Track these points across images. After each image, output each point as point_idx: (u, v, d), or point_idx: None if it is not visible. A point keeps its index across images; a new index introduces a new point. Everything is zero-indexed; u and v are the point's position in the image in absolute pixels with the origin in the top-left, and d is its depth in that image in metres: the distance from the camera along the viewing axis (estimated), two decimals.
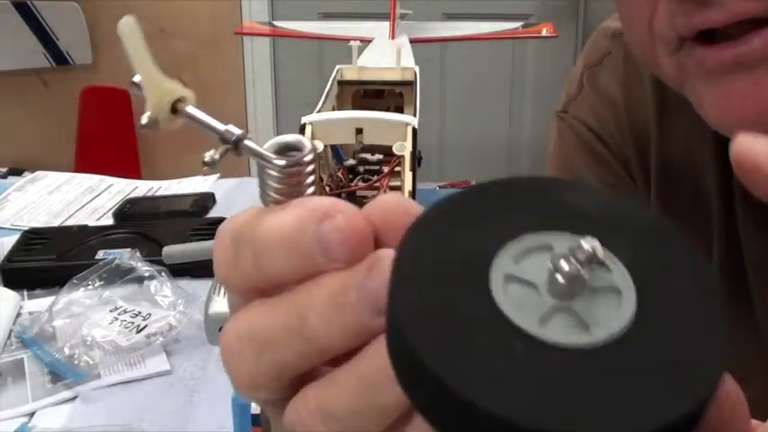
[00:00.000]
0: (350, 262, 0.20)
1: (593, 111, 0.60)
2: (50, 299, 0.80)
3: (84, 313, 0.77)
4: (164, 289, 0.80)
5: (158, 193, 1.16)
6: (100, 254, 0.89)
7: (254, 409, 0.55)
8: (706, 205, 0.54)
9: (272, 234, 0.21)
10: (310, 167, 0.22)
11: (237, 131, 0.22)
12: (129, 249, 0.87)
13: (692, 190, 0.55)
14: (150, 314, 0.77)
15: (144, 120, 0.21)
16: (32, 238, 0.94)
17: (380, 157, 0.76)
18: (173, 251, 0.82)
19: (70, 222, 1.05)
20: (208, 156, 0.21)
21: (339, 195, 0.71)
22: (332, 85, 0.91)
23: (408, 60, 1.06)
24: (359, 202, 0.75)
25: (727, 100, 0.40)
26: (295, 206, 0.21)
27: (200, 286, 0.83)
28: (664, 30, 0.41)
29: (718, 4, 0.38)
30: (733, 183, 0.53)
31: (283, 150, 0.22)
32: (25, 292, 0.85)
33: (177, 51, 2.49)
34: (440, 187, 1.09)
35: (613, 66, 0.59)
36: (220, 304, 0.56)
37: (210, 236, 0.89)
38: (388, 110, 0.91)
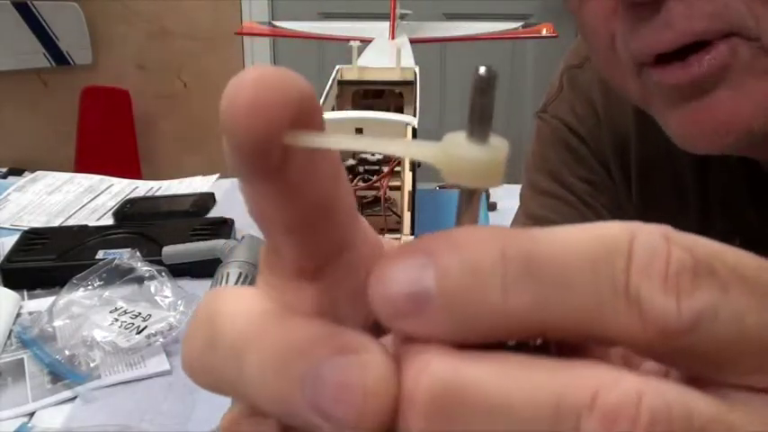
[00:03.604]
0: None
1: (572, 110, 0.61)
2: (50, 299, 0.80)
3: (85, 314, 0.77)
4: (164, 289, 0.80)
5: (158, 193, 1.16)
6: (100, 254, 0.89)
7: None
8: (686, 203, 0.55)
9: (265, 359, 0.16)
10: None
11: None
12: (129, 249, 0.87)
13: (672, 188, 0.56)
14: (150, 315, 0.77)
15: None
16: (32, 238, 0.94)
17: (380, 156, 0.76)
18: (173, 251, 0.82)
19: (70, 222, 1.05)
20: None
21: None
22: (332, 85, 0.91)
23: (408, 60, 1.06)
24: (359, 201, 0.75)
25: (686, 121, 0.41)
26: (308, 322, 0.17)
27: (200, 286, 0.83)
28: (623, 54, 0.42)
29: (665, 24, 0.38)
30: (709, 182, 0.54)
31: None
32: (25, 292, 0.85)
33: (177, 51, 2.49)
34: (440, 187, 1.09)
35: (594, 69, 0.59)
36: None
37: (211, 236, 0.89)
38: (388, 110, 0.91)
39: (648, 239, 0.15)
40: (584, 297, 0.15)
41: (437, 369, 0.15)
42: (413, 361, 0.15)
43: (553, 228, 0.16)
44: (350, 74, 0.96)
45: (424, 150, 0.16)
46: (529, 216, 0.64)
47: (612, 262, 0.15)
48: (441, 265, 0.15)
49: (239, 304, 0.18)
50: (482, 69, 0.16)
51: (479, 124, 0.16)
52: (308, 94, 0.16)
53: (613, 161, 0.59)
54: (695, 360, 0.15)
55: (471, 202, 0.17)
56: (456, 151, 0.16)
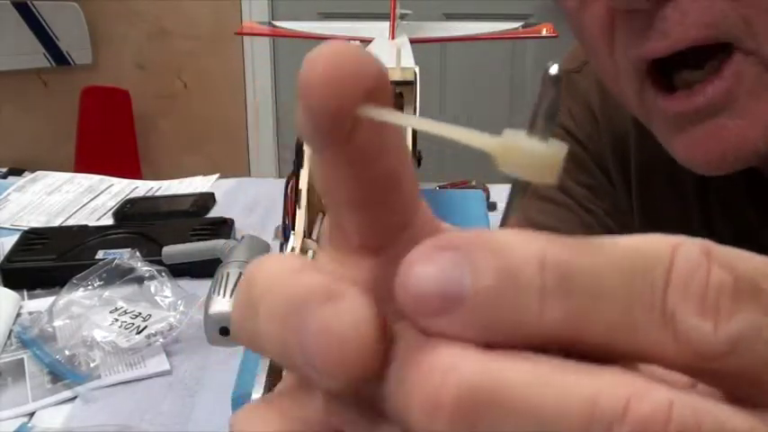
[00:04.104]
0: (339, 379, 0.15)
1: (571, 114, 0.61)
2: (50, 299, 0.80)
3: (85, 314, 0.77)
4: (164, 289, 0.80)
5: (158, 193, 1.16)
6: (100, 254, 0.89)
7: None
8: (686, 205, 0.55)
9: (271, 302, 0.17)
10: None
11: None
12: (129, 249, 0.87)
13: (673, 191, 0.56)
14: (150, 315, 0.77)
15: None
16: (32, 238, 0.94)
17: None
18: (173, 251, 0.82)
19: (70, 222, 1.05)
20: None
21: None
22: None
23: (408, 60, 1.06)
24: None
25: (692, 146, 0.41)
26: (309, 266, 0.17)
27: (200, 286, 0.83)
28: (622, 61, 0.42)
29: (661, 32, 0.38)
30: (709, 184, 0.54)
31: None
32: (25, 292, 0.85)
33: (177, 51, 2.49)
34: (440, 187, 1.09)
35: (592, 74, 0.59)
36: (220, 304, 0.56)
37: (211, 236, 0.89)
38: None
39: (689, 256, 0.15)
40: (619, 312, 0.14)
41: (466, 369, 0.14)
42: (439, 359, 0.15)
43: (594, 238, 0.15)
44: None
45: (484, 139, 0.16)
46: (528, 221, 0.64)
47: (651, 278, 0.14)
48: (478, 266, 0.15)
49: (274, 265, 0.18)
50: (554, 67, 0.16)
51: (545, 120, 0.16)
52: (381, 71, 0.16)
53: (613, 165, 0.59)
54: (732, 380, 0.15)
55: (523, 198, 0.17)
56: (518, 143, 0.16)
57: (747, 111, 0.39)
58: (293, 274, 0.17)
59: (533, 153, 0.16)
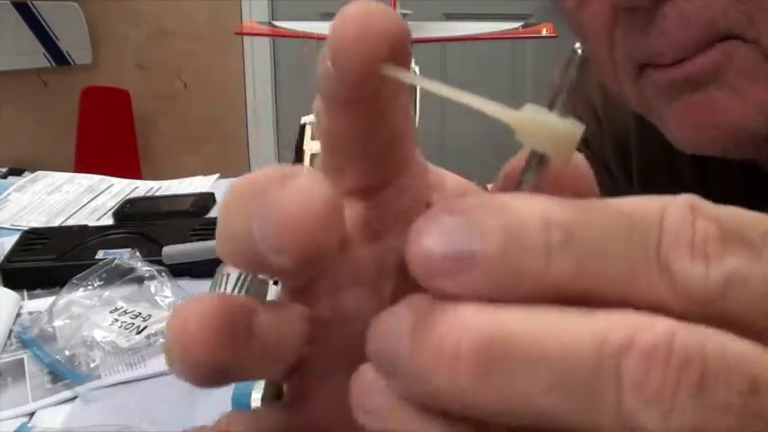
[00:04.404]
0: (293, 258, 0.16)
1: (574, 114, 0.61)
2: (50, 299, 0.80)
3: (85, 314, 0.77)
4: (164, 289, 0.80)
5: (158, 193, 1.16)
6: (100, 254, 0.89)
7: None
8: None
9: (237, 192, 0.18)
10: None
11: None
12: (129, 249, 0.87)
13: (673, 189, 0.56)
14: (150, 315, 0.77)
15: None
16: (32, 238, 0.94)
17: None
18: (173, 251, 0.82)
19: (70, 222, 1.05)
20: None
21: None
22: None
23: None
24: None
25: (683, 114, 0.41)
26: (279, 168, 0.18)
27: (200, 286, 0.83)
28: (621, 57, 0.42)
29: (661, 30, 0.38)
30: (709, 181, 0.54)
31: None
32: (25, 292, 0.85)
33: (177, 51, 2.49)
34: None
35: (594, 74, 0.59)
36: None
37: (211, 236, 0.89)
38: None
39: (676, 210, 0.16)
40: (620, 265, 0.15)
41: (480, 321, 0.15)
42: (452, 316, 0.15)
43: (592, 199, 0.16)
44: None
45: (505, 111, 0.17)
46: None
47: (645, 232, 0.15)
48: (486, 227, 0.15)
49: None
50: (579, 49, 0.17)
51: (567, 98, 0.17)
52: (405, 31, 0.17)
53: (615, 163, 0.59)
54: (733, 327, 0.15)
55: (538, 171, 0.18)
56: (539, 116, 0.17)
57: (738, 88, 0.39)
58: (257, 172, 0.18)
59: (554, 127, 0.16)
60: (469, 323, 0.15)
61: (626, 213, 0.16)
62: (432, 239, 0.16)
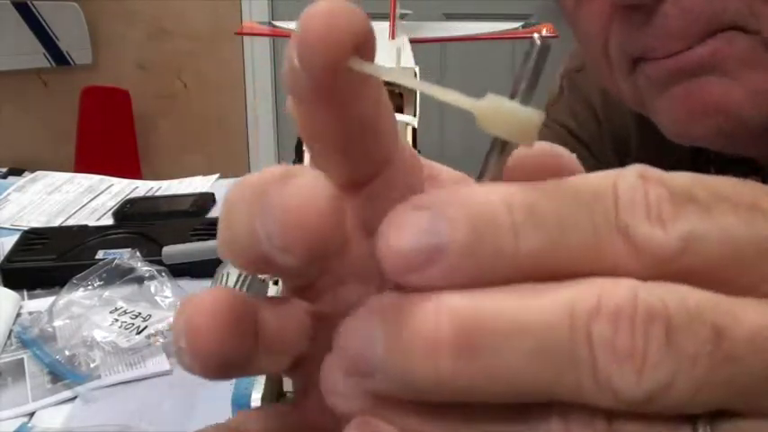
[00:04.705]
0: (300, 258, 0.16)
1: (573, 114, 0.61)
2: (50, 299, 0.80)
3: (85, 314, 0.77)
4: (164, 289, 0.80)
5: (158, 193, 1.16)
6: (100, 254, 0.89)
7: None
8: None
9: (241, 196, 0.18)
10: None
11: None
12: (129, 249, 0.87)
13: None
14: (150, 315, 0.77)
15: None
16: (32, 238, 0.94)
17: None
18: (173, 251, 0.82)
19: (70, 222, 1.05)
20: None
21: None
22: None
23: (408, 60, 1.06)
24: None
25: (675, 104, 0.41)
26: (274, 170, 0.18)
27: (200, 286, 0.83)
28: (616, 54, 0.42)
29: (661, 28, 0.39)
30: None
31: None
32: (25, 292, 0.85)
33: (177, 51, 2.49)
34: None
35: (592, 73, 0.59)
36: None
37: (211, 236, 0.89)
38: None
39: (627, 180, 0.17)
40: (583, 236, 0.16)
41: (456, 306, 0.16)
42: (428, 305, 0.16)
43: (548, 180, 0.17)
44: None
45: (467, 100, 0.17)
46: None
47: (603, 204, 0.16)
48: (452, 218, 0.16)
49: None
50: (538, 39, 0.17)
51: (527, 87, 0.17)
52: (369, 26, 0.17)
53: (614, 164, 0.59)
54: (694, 282, 0.16)
55: (499, 158, 0.18)
56: (500, 104, 0.17)
57: (738, 75, 0.39)
58: (258, 173, 0.18)
59: (514, 114, 0.17)
60: (444, 309, 0.16)
61: (582, 187, 0.17)
62: (399, 236, 0.16)
